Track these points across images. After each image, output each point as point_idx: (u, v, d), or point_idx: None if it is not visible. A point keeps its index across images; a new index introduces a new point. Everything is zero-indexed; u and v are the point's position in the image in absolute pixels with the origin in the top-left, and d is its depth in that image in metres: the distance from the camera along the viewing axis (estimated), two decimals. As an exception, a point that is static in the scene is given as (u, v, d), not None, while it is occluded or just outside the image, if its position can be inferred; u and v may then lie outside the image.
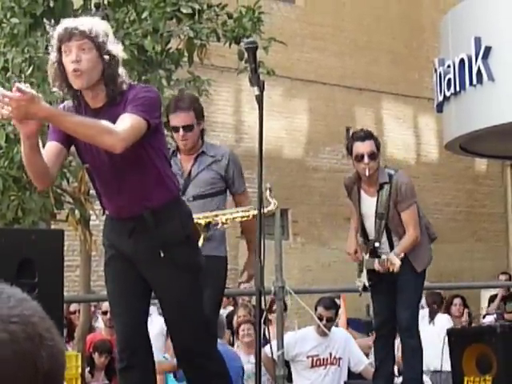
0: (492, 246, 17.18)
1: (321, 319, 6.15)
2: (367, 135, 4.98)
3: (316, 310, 6.23)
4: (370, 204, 4.98)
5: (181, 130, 4.38)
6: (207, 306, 3.82)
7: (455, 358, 4.99)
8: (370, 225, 5.00)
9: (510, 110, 9.54)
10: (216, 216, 4.27)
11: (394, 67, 16.12)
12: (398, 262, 4.72)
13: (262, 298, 3.41)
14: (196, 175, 4.47)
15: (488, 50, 9.85)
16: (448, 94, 10.71)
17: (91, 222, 6.67)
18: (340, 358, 6.24)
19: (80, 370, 4.33)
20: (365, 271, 5.00)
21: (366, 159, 4.85)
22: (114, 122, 3.15)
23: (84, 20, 3.34)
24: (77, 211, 6.36)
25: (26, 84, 3.09)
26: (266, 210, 4.10)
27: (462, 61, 10.27)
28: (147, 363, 3.55)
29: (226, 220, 4.29)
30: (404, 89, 15.90)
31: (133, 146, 3.18)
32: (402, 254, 4.80)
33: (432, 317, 8.45)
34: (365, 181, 4.98)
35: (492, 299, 11.57)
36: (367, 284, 4.98)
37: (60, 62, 3.22)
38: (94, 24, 3.26)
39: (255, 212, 4.05)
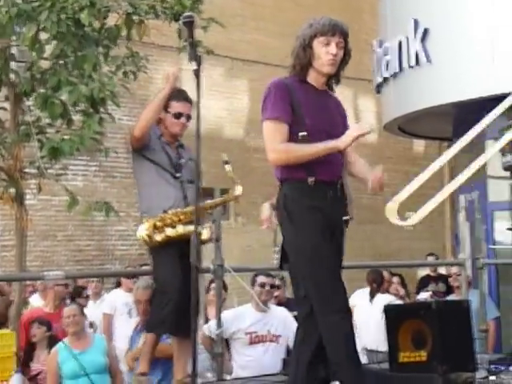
0: (429, 226, 17.45)
1: (263, 286, 6.13)
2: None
3: (255, 282, 6.18)
4: None
5: (183, 117, 4.80)
6: None
7: (391, 333, 5.01)
8: None
9: (447, 91, 9.66)
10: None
11: (334, 49, 16.16)
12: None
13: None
14: (186, 162, 4.88)
15: (426, 31, 9.94)
16: (387, 75, 10.79)
17: (27, 202, 6.56)
18: (279, 336, 6.25)
19: (15, 348, 4.25)
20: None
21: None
22: (334, 105, 4.28)
23: (343, 23, 4.22)
24: (12, 189, 6.24)
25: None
26: (234, 195, 5.05)
27: (400, 42, 10.35)
28: None
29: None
30: (344, 70, 15.96)
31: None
32: None
33: (372, 295, 8.47)
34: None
35: (422, 280, 11.79)
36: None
37: (309, 48, 4.11)
38: (347, 30, 4.20)
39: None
